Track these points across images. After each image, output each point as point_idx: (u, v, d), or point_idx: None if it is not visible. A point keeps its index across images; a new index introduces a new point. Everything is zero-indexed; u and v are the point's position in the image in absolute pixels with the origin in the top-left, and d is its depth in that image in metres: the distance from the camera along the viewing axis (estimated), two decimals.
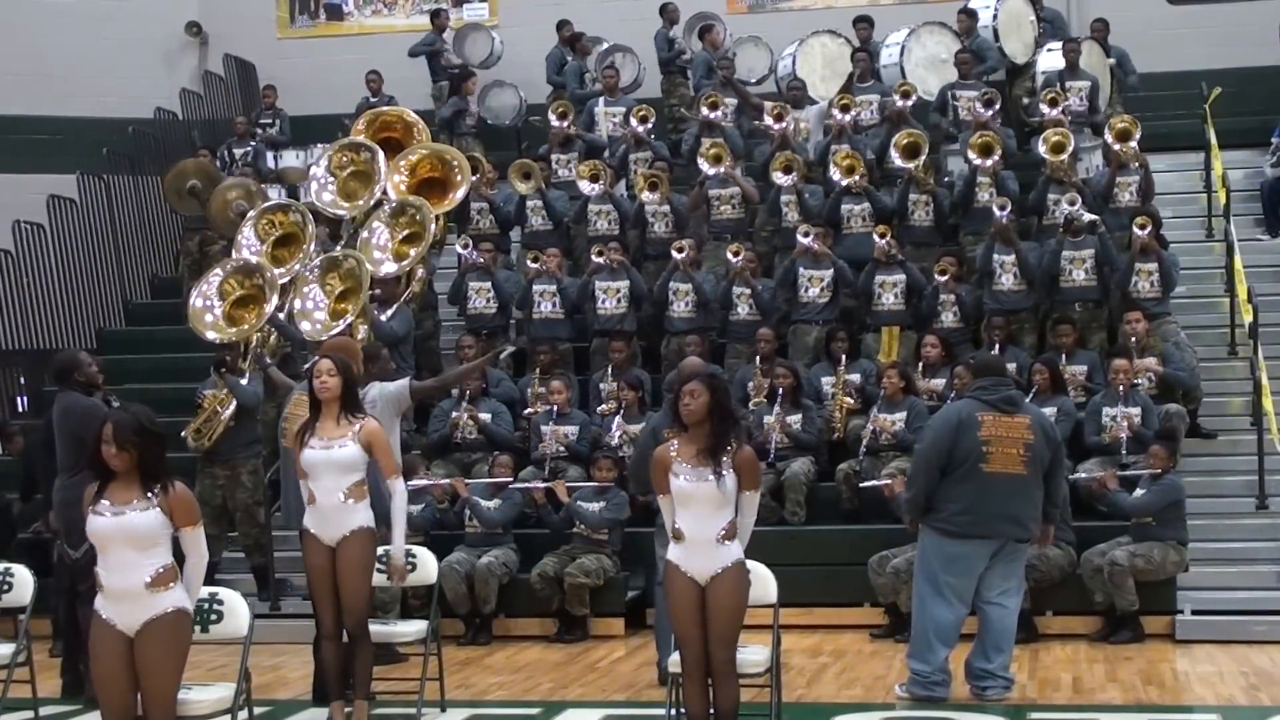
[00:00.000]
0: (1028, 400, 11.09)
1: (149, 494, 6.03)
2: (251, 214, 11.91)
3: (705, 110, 14.08)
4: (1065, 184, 12.68)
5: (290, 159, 16.28)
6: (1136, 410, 11.02)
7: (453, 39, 17.46)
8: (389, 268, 11.42)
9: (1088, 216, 12.17)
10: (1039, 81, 14.50)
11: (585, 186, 13.40)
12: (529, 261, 13.08)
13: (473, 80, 16.58)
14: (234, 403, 11.22)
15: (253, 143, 16.50)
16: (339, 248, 11.71)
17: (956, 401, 9.07)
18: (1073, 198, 12.22)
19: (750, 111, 14.71)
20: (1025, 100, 14.78)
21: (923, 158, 12.87)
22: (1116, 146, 12.83)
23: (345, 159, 11.75)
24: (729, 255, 12.59)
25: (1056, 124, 13.08)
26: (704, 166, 13.37)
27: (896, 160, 12.98)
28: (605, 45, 16.40)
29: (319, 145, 15.53)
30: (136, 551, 5.98)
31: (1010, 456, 8.26)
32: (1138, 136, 12.83)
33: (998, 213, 12.14)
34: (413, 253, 11.43)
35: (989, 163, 12.73)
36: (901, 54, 14.82)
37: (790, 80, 14.99)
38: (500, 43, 17.44)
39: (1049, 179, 12.82)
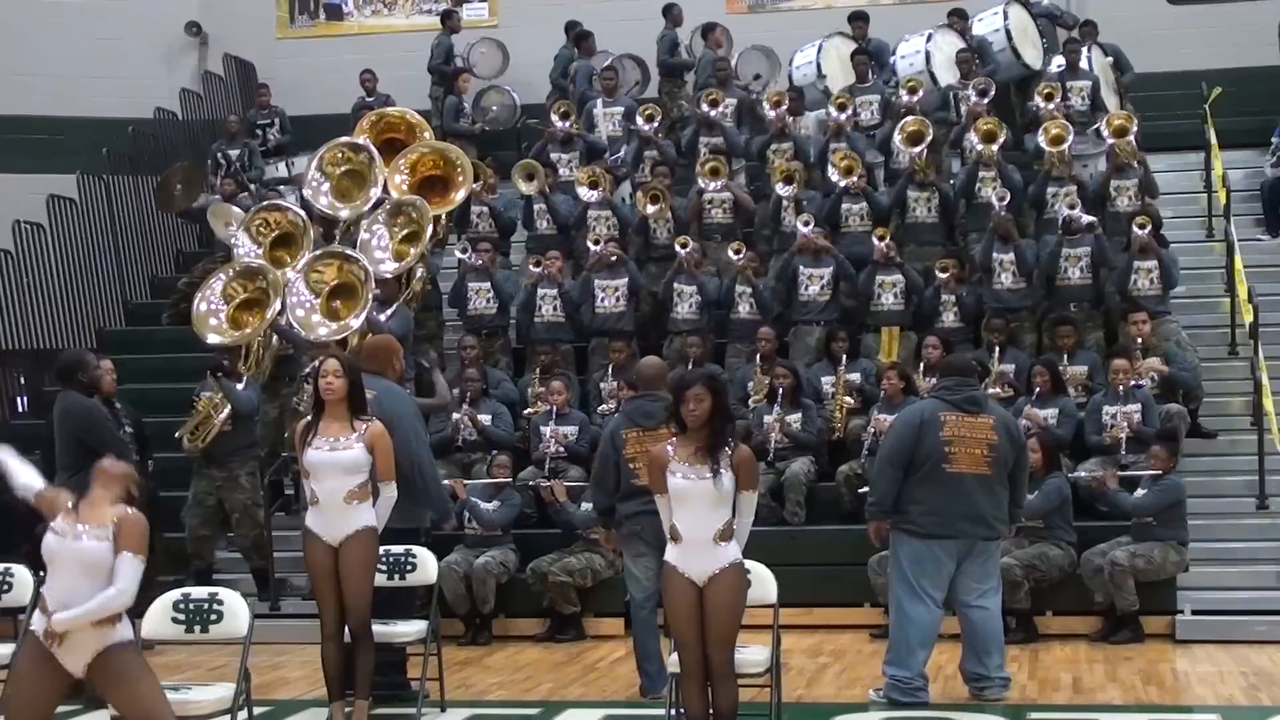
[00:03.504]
0: (1030, 402, 11.18)
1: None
2: (244, 217, 11.92)
3: (705, 107, 14.09)
4: (1064, 179, 12.70)
5: (303, 165, 16.25)
6: (1136, 408, 11.03)
7: (467, 49, 17.37)
8: (387, 267, 11.40)
9: (1086, 218, 12.19)
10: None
11: (584, 193, 13.43)
12: (531, 266, 13.09)
13: (464, 78, 16.55)
14: (229, 407, 11.21)
15: (246, 142, 16.48)
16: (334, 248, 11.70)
17: (920, 402, 9.08)
18: (1072, 201, 12.22)
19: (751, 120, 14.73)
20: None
21: (924, 145, 12.85)
22: (1111, 142, 12.85)
23: (340, 156, 11.71)
24: (730, 254, 12.60)
25: (1053, 117, 13.14)
26: (702, 183, 13.37)
27: (899, 146, 12.95)
28: (614, 56, 16.29)
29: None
30: (88, 580, 5.78)
31: (974, 457, 8.25)
32: (1134, 131, 12.84)
33: (996, 204, 12.14)
34: (412, 251, 11.41)
35: (994, 148, 12.73)
36: (927, 60, 14.78)
37: (789, 88, 14.99)
38: (506, 57, 17.41)
39: (1048, 174, 12.82)
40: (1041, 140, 12.77)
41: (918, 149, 12.85)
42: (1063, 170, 12.75)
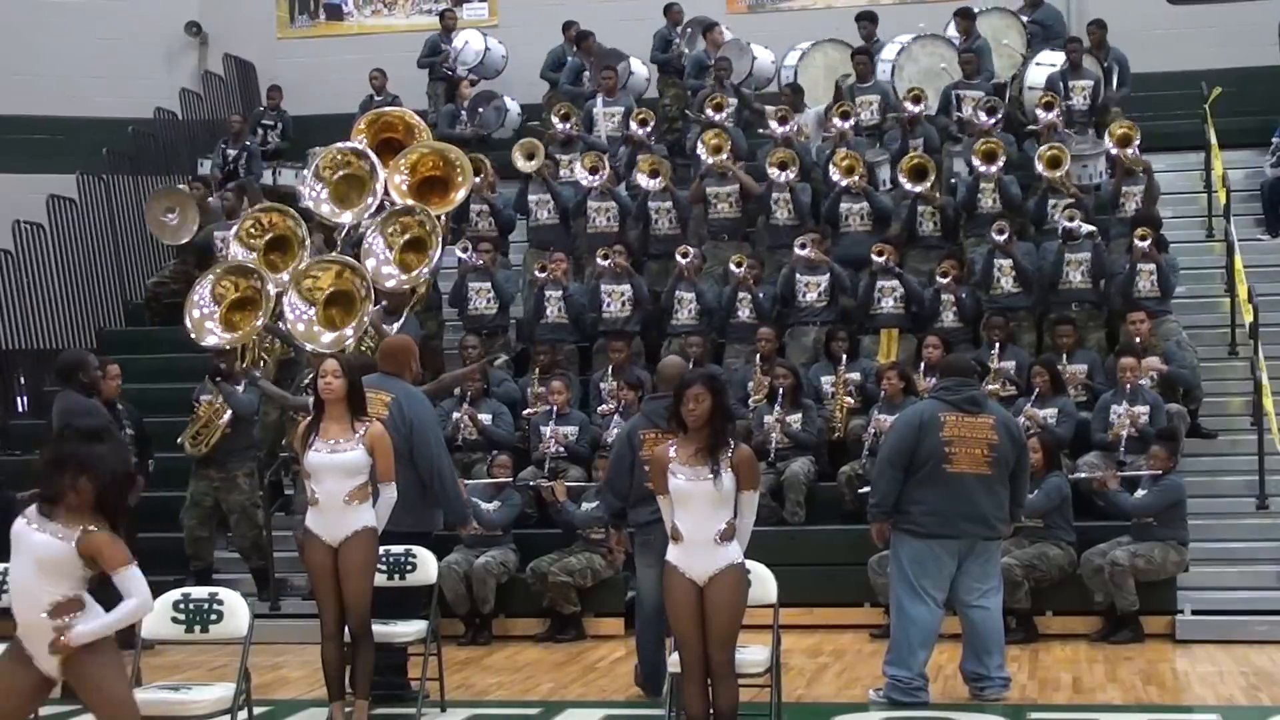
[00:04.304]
0: (1030, 401, 11.18)
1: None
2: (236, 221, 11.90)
3: (710, 112, 14.09)
4: (1064, 192, 12.73)
5: (289, 177, 16.27)
6: (1144, 409, 11.03)
7: (456, 47, 17.38)
8: (394, 281, 11.21)
9: (1085, 229, 12.24)
10: (1040, 84, 14.47)
11: (584, 178, 13.41)
12: (536, 271, 13.09)
13: (465, 85, 16.56)
14: (230, 411, 11.18)
15: (248, 143, 16.47)
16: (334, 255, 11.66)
17: (920, 402, 9.09)
18: (1070, 214, 12.24)
19: (752, 116, 14.73)
20: (1023, 101, 14.80)
21: (929, 180, 12.87)
22: (1115, 152, 12.87)
23: (339, 160, 11.66)
24: (732, 267, 12.61)
25: (1051, 127, 13.18)
26: (704, 156, 13.35)
27: (904, 182, 12.98)
28: (600, 49, 16.29)
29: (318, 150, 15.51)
30: (37, 574, 5.62)
31: (974, 457, 8.27)
32: (1137, 142, 12.87)
33: (997, 237, 12.17)
34: (424, 263, 11.28)
35: (993, 169, 12.76)
36: (893, 73, 14.79)
37: (787, 85, 15.00)
38: (504, 56, 17.41)
39: (1049, 189, 12.84)
40: (1039, 166, 12.78)
41: (922, 185, 12.86)
42: (1062, 187, 12.77)
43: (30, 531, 5.63)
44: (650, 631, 8.44)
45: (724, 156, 13.31)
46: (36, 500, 5.70)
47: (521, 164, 13.68)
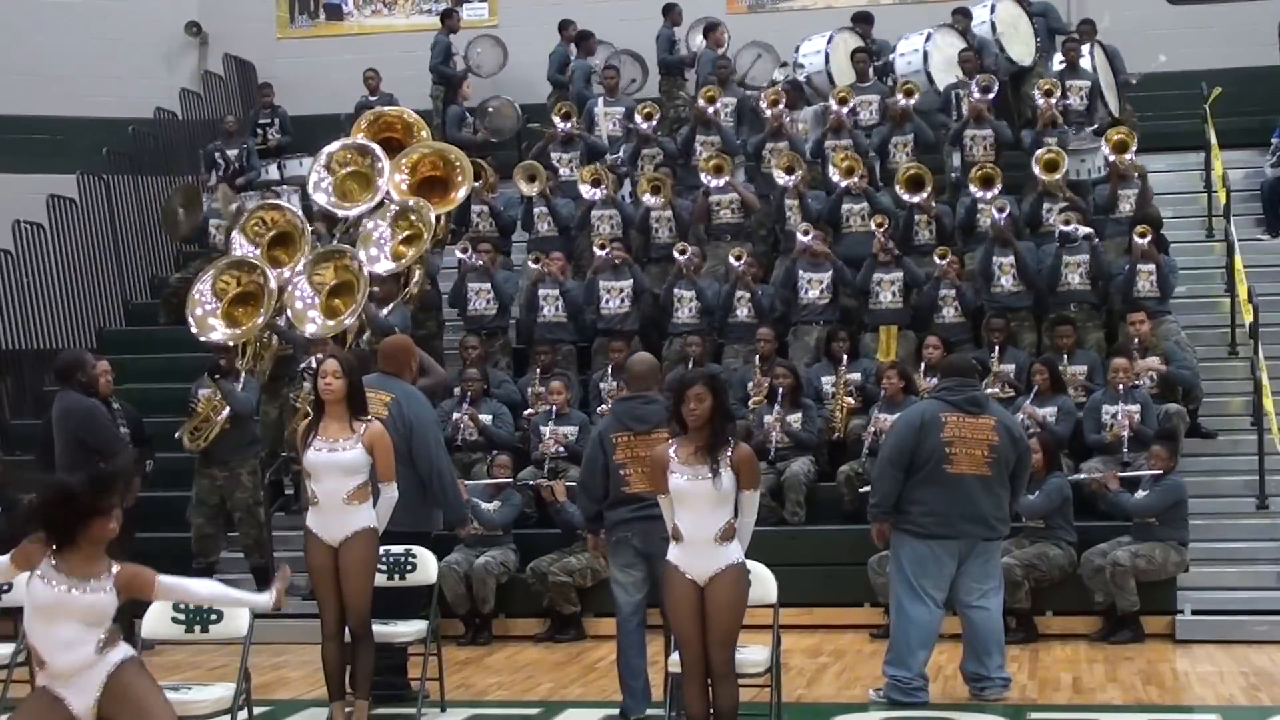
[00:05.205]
0: (1029, 400, 11.18)
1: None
2: (241, 216, 11.92)
3: (701, 102, 14.07)
4: (1058, 196, 12.74)
5: (294, 167, 16.24)
6: (1136, 408, 11.03)
7: (466, 46, 17.36)
8: (384, 266, 11.37)
9: (1082, 231, 12.25)
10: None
11: (586, 191, 13.42)
12: (530, 264, 13.08)
13: (466, 85, 16.53)
14: (228, 408, 11.19)
15: (245, 143, 16.44)
16: (333, 242, 11.70)
17: (921, 403, 9.10)
18: (1066, 219, 12.25)
19: (751, 116, 14.72)
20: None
21: (927, 191, 12.86)
22: (1112, 158, 12.89)
23: (347, 157, 11.71)
24: (731, 259, 12.60)
25: (1049, 115, 13.21)
26: (705, 179, 13.36)
27: (901, 193, 12.98)
28: (613, 51, 16.25)
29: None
30: (84, 626, 5.53)
31: (974, 457, 8.27)
32: (1134, 149, 12.89)
33: (996, 215, 12.17)
34: (411, 252, 11.40)
35: (990, 195, 12.73)
36: (925, 60, 14.78)
37: (785, 83, 15.00)
38: (506, 54, 17.39)
39: (1043, 193, 12.85)
40: (1036, 169, 12.80)
41: (919, 196, 12.85)
42: (1058, 190, 12.79)
43: (62, 595, 5.47)
44: (628, 635, 8.14)
45: (725, 180, 13.27)
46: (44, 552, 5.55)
47: (524, 187, 13.68)
